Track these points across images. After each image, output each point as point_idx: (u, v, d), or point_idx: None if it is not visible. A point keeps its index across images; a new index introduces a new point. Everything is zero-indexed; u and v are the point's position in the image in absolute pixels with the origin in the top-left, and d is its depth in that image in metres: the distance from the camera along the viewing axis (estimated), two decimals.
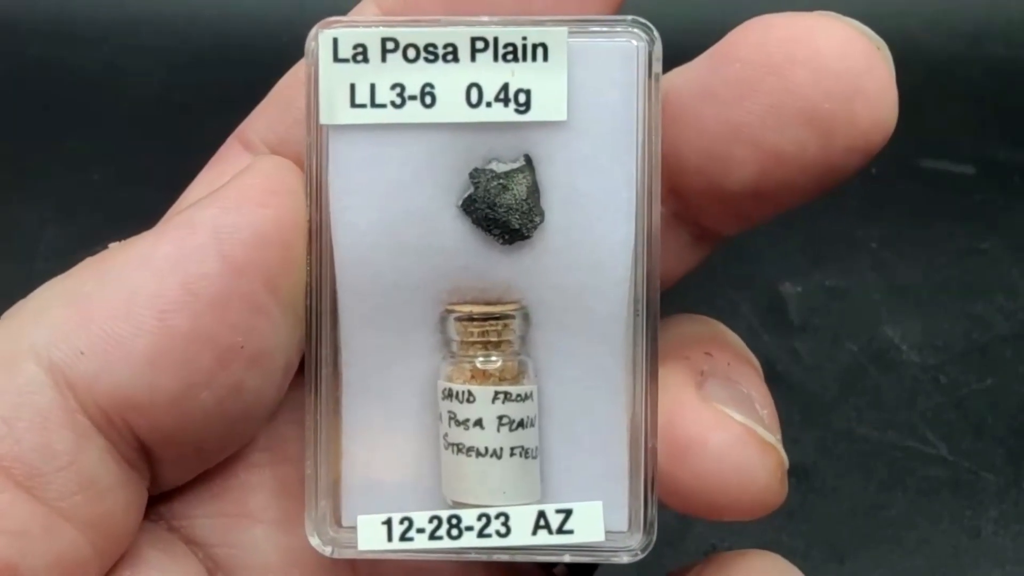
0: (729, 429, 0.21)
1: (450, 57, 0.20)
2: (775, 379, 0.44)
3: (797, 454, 0.42)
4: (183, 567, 0.21)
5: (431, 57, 0.20)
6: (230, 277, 0.20)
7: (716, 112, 0.20)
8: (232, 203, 0.20)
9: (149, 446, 0.20)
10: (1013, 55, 0.53)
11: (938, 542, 0.41)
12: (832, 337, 0.45)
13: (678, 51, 0.22)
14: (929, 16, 0.53)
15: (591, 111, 0.20)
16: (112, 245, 0.21)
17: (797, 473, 0.41)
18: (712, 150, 0.20)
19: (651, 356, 0.21)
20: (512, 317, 0.21)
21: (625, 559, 0.21)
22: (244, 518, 0.22)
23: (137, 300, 0.19)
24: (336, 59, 0.20)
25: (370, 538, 0.21)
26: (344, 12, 0.22)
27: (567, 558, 0.21)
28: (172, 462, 0.21)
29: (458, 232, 0.21)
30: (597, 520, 0.21)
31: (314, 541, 0.21)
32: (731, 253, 0.47)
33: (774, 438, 0.21)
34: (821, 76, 0.20)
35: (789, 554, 0.22)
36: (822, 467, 0.42)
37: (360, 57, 0.20)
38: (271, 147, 0.23)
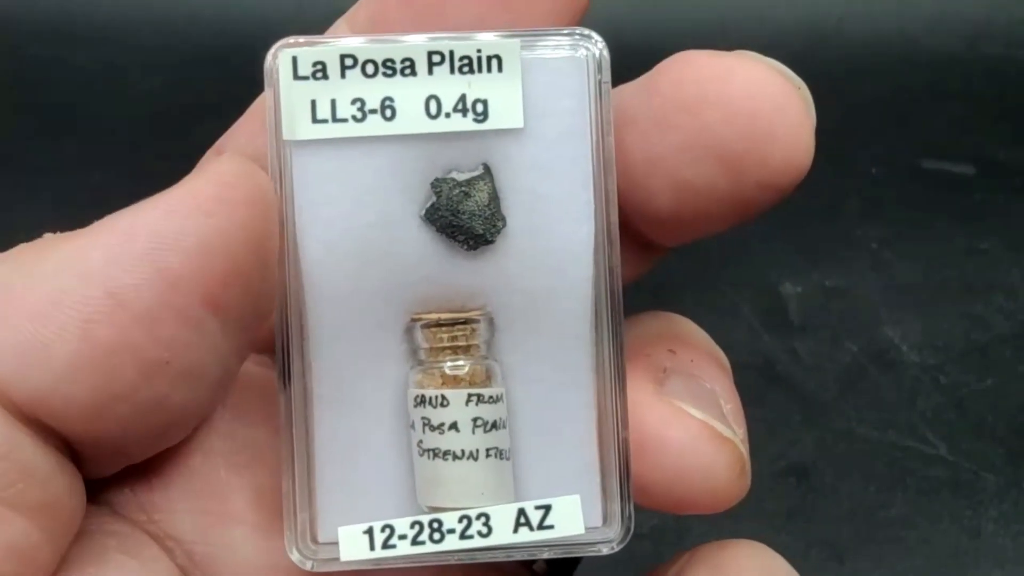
0: (686, 425, 0.21)
1: (408, 71, 0.21)
2: (775, 379, 0.45)
3: (797, 454, 0.42)
4: (151, 571, 0.21)
5: (389, 72, 0.21)
6: (163, 289, 0.19)
7: (637, 142, 0.21)
8: (176, 209, 0.19)
9: (70, 443, 0.20)
10: (1013, 55, 0.53)
11: (938, 542, 0.41)
12: (832, 337, 0.45)
13: (643, 59, 0.22)
14: (929, 16, 0.53)
15: (546, 118, 0.21)
16: (47, 236, 0.20)
17: (797, 473, 0.41)
18: (633, 177, 0.21)
19: (618, 350, 0.21)
20: (478, 322, 0.21)
21: (604, 551, 0.22)
22: (224, 518, 0.22)
23: (62, 303, 0.19)
24: (296, 77, 0.21)
25: (352, 548, 0.21)
26: (342, 13, 0.23)
27: (547, 554, 0.22)
28: (94, 459, 0.20)
29: (422, 241, 0.21)
30: (576, 514, 0.21)
31: (294, 556, 0.21)
32: (731, 253, 0.47)
33: (733, 433, 0.21)
34: (732, 117, 0.20)
35: (789, 554, 0.22)
36: (822, 467, 0.42)
37: (320, 74, 0.21)
38: (248, 156, 0.22)
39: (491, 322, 0.22)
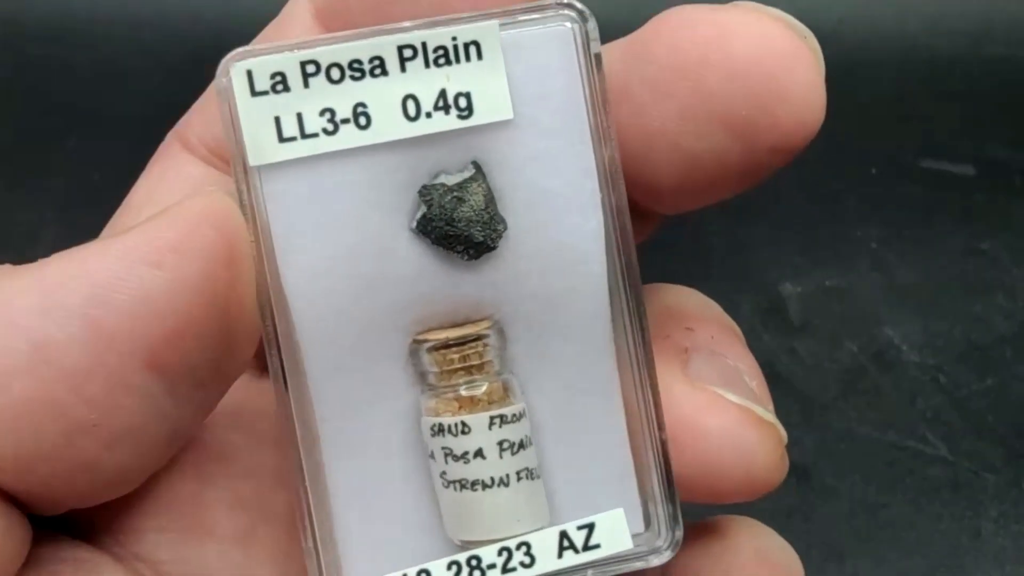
0: (726, 412, 0.20)
1: (378, 71, 0.19)
2: (775, 379, 0.44)
3: (797, 454, 0.42)
4: None
5: (357, 75, 0.19)
6: (96, 347, 0.17)
7: (632, 114, 0.19)
8: (122, 257, 0.17)
9: (2, 488, 0.18)
10: (1013, 55, 0.53)
11: (938, 542, 0.40)
12: (832, 337, 0.45)
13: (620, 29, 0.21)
14: (929, 16, 0.53)
15: (537, 104, 0.19)
16: (2, 267, 0.19)
17: (797, 473, 0.41)
18: (631, 151, 0.20)
19: (642, 346, 0.20)
20: (488, 335, 0.20)
21: (654, 562, 0.20)
22: (198, 533, 0.21)
23: None
24: (254, 93, 0.18)
25: None
26: None
27: (590, 574, 0.20)
28: (32, 506, 0.19)
29: (416, 256, 0.19)
30: (621, 529, 0.20)
31: None
32: (731, 253, 0.47)
33: (771, 414, 0.20)
34: (736, 80, 0.19)
35: None
36: (822, 467, 0.42)
37: (280, 87, 0.18)
38: (209, 147, 0.21)
39: (501, 333, 0.20)
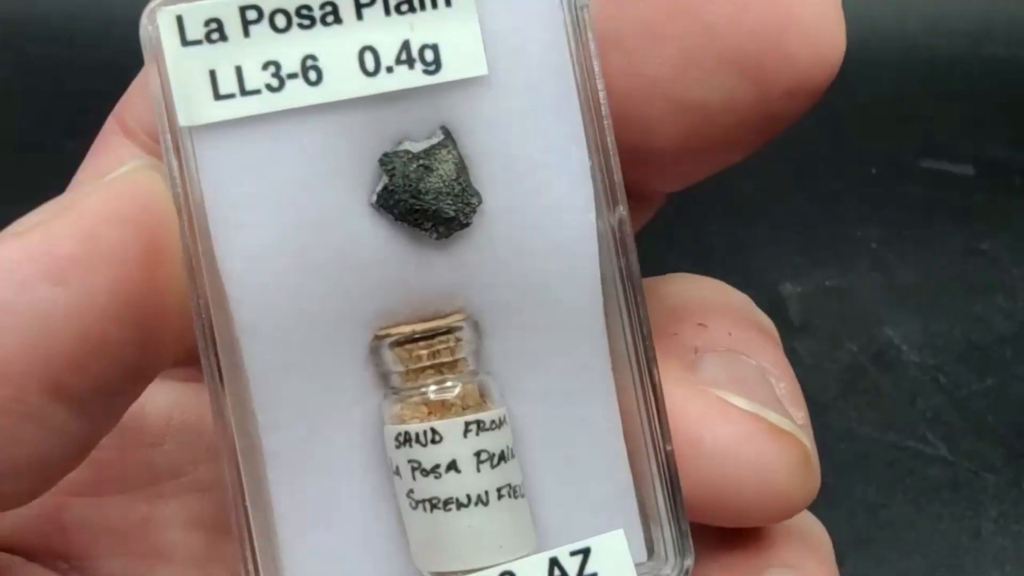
0: (733, 420, 0.17)
1: (331, 19, 0.16)
2: None
3: None
4: None
5: (307, 22, 0.16)
6: None
7: (624, 63, 0.17)
8: (14, 273, 0.15)
9: None
10: (1013, 55, 0.53)
11: (938, 542, 0.40)
12: (832, 337, 0.45)
13: None
14: (929, 16, 0.53)
15: (514, 59, 0.17)
16: None
17: None
18: (626, 108, 0.17)
19: (642, 341, 0.17)
20: (461, 328, 0.17)
21: None
22: (152, 557, 0.19)
23: None
24: (185, 42, 0.16)
25: None
26: None
27: None
28: None
29: (377, 235, 0.17)
30: (622, 553, 0.17)
31: None
32: (731, 253, 0.47)
33: (791, 422, 0.18)
34: (741, 10, 0.16)
35: None
36: (822, 467, 0.42)
37: (216, 35, 0.16)
38: (150, 133, 0.19)
39: (476, 326, 0.17)
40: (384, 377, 0.17)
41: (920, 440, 0.43)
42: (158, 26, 0.16)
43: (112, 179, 0.16)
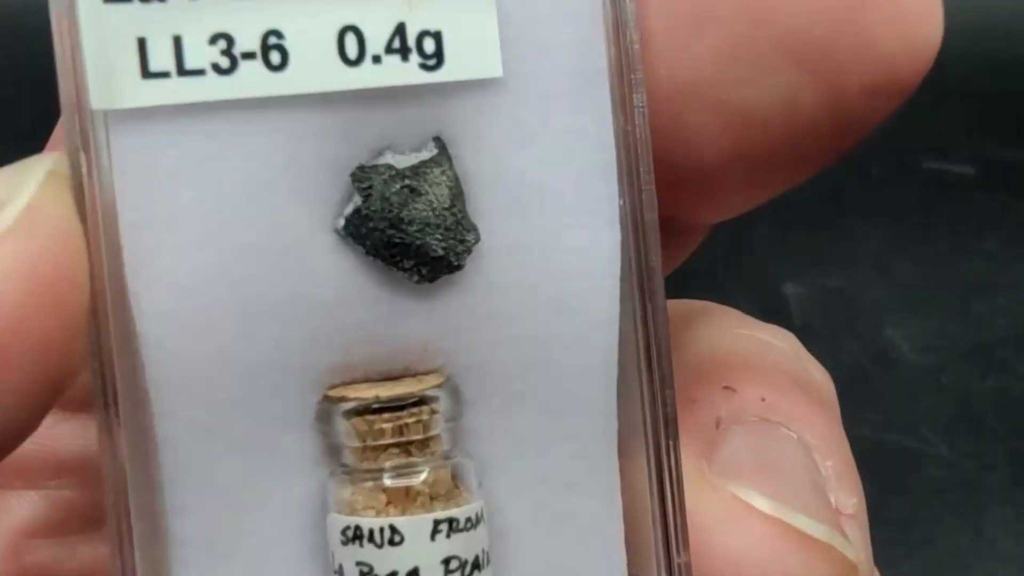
0: (753, 527, 0.14)
1: None
2: None
3: None
4: None
5: None
6: None
7: (659, 56, 0.13)
8: None
9: None
10: (1014, 55, 0.53)
11: (940, 543, 0.40)
12: (833, 337, 0.45)
13: None
14: None
15: (537, 59, 0.13)
16: None
17: None
18: (659, 118, 0.13)
19: (666, 425, 0.14)
20: (437, 398, 0.13)
21: None
22: None
23: None
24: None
25: None
26: None
27: None
28: None
29: (341, 270, 0.13)
30: None
31: None
32: (732, 253, 0.47)
33: (828, 528, 0.14)
34: None
35: None
36: None
37: None
38: None
39: (456, 393, 0.14)
40: (333, 450, 0.14)
41: (921, 440, 0.43)
42: None
43: (14, 225, 0.12)
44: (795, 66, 0.13)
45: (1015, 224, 0.48)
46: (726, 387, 0.15)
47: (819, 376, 0.16)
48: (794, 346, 0.16)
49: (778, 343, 0.16)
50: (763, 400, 0.15)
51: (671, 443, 0.14)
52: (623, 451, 0.14)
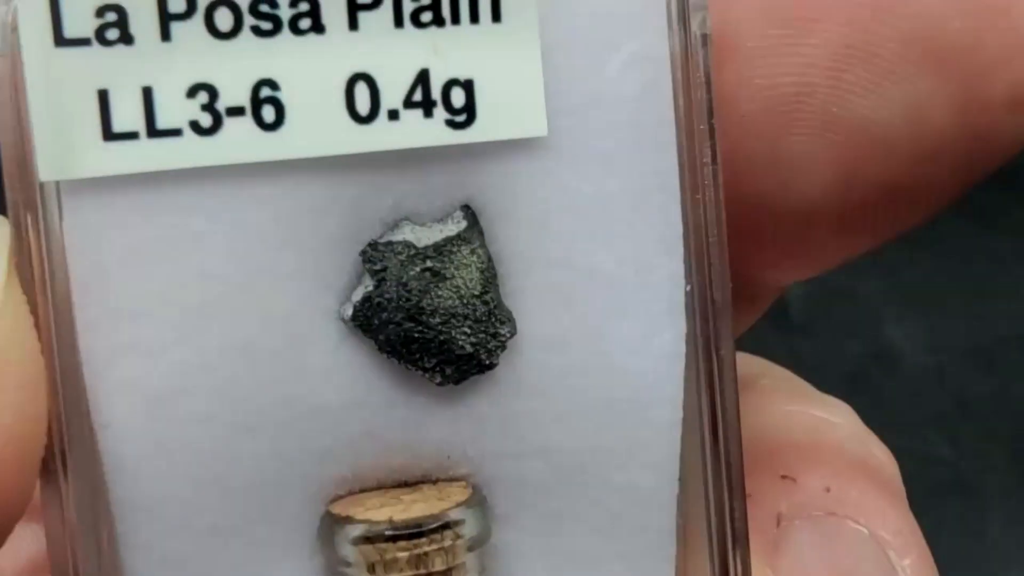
0: None
1: (306, 24, 0.10)
2: None
3: None
4: None
5: (267, 25, 0.10)
6: None
7: (758, 68, 0.11)
8: None
9: None
10: None
11: (943, 544, 0.40)
12: (834, 337, 0.45)
13: None
14: None
15: (589, 114, 0.11)
16: None
17: None
18: (755, 140, 0.11)
19: (735, 540, 0.12)
20: (462, 521, 0.11)
21: None
22: None
23: None
24: (62, 41, 0.10)
25: None
26: None
27: None
28: None
29: (348, 368, 0.11)
30: None
31: None
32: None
33: None
34: None
35: None
36: None
37: (114, 33, 0.10)
38: None
39: (483, 510, 0.11)
40: (334, 574, 0.11)
41: (923, 441, 0.42)
42: (15, 9, 0.10)
43: None
44: (926, 70, 0.10)
45: (1018, 224, 0.48)
46: (784, 476, 0.13)
47: (883, 456, 0.14)
48: (853, 422, 0.14)
49: (836, 419, 0.14)
50: (827, 490, 0.13)
51: (739, 559, 0.12)
52: (681, 571, 0.12)
